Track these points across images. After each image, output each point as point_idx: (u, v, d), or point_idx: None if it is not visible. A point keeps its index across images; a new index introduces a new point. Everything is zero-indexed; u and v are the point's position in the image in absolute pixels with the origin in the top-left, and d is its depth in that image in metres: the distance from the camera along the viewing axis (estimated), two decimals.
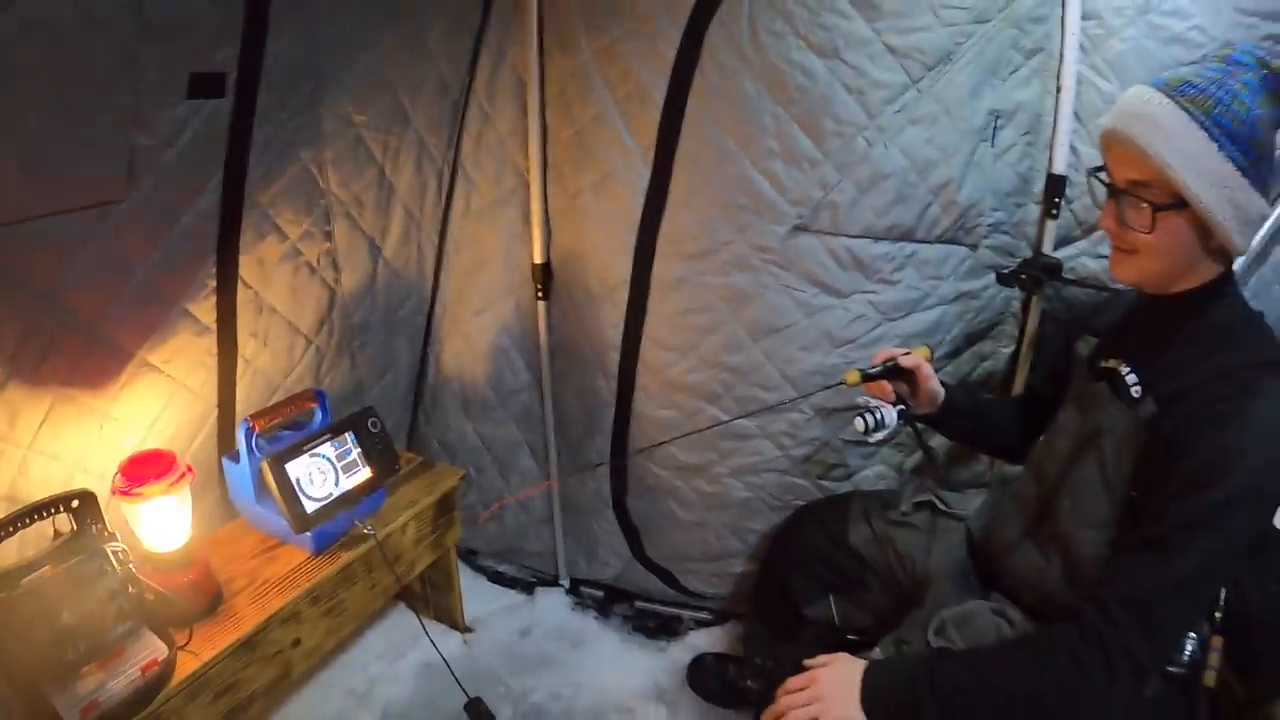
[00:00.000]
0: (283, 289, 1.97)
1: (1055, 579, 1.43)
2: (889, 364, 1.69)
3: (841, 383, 1.69)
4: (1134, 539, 1.27)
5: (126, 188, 1.50)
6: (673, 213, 2.06)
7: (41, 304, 1.46)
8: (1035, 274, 2.00)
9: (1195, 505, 1.19)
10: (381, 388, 2.44)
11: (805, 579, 1.91)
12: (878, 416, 1.63)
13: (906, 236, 1.98)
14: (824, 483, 2.23)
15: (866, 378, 1.68)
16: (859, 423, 1.64)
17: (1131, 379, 1.36)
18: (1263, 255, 1.86)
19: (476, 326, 2.44)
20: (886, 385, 1.70)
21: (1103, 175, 1.34)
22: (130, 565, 1.48)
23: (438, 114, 2.21)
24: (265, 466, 1.75)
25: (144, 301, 1.65)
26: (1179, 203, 1.23)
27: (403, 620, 2.44)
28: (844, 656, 1.39)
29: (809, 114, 1.88)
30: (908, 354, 1.70)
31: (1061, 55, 1.88)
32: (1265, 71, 1.24)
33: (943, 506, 1.81)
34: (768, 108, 1.90)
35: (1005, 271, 2.03)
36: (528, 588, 2.65)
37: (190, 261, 1.72)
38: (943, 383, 1.74)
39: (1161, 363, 1.34)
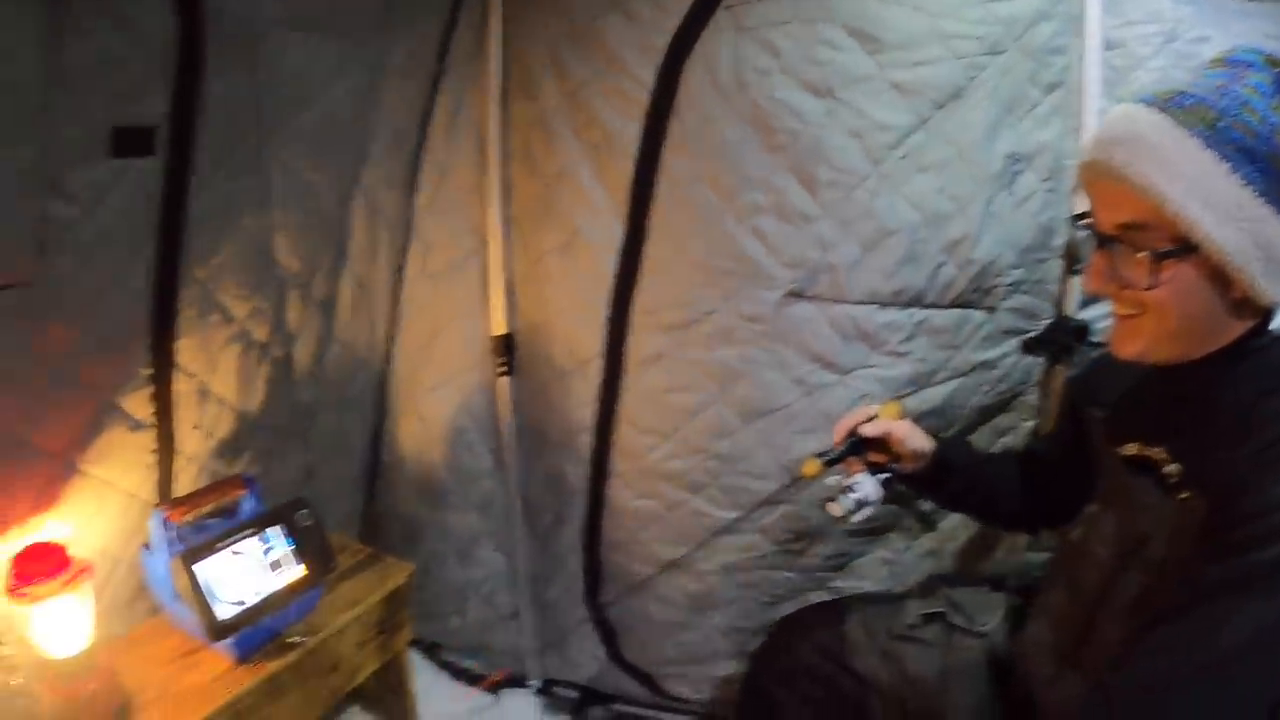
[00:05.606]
0: (229, 375, 1.78)
1: None
2: (852, 440, 1.48)
3: (800, 477, 1.51)
4: (1158, 612, 1.04)
5: (35, 267, 1.30)
6: (649, 278, 1.90)
7: None
8: (1065, 339, 1.79)
9: (1237, 566, 0.96)
10: (332, 471, 2.23)
11: (796, 702, 1.64)
12: (856, 496, 1.44)
13: (916, 301, 1.78)
14: (820, 575, 2.02)
15: (829, 464, 1.47)
16: (834, 509, 1.44)
17: (1172, 469, 1.11)
18: None
19: (433, 404, 2.24)
20: (855, 462, 1.49)
21: (1089, 222, 1.12)
22: (18, 676, 1.36)
23: (392, 167, 2.03)
24: (175, 565, 1.56)
25: (65, 397, 1.46)
26: (1186, 246, 1.00)
27: None
28: None
29: (802, 162, 1.72)
30: (872, 419, 1.49)
31: (1083, 89, 1.70)
32: (1278, 70, 1.01)
33: (959, 621, 1.55)
34: (755, 156, 1.74)
35: (1032, 338, 1.83)
36: (494, 687, 2.42)
37: (119, 349, 1.53)
38: (934, 435, 1.53)
39: (1204, 444, 1.09)
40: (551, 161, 1.92)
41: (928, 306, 1.78)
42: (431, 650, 2.49)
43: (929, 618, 1.56)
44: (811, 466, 1.46)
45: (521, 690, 2.40)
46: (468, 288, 2.12)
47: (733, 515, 1.97)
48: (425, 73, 1.99)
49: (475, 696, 2.39)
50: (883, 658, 1.55)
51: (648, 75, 1.77)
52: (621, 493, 2.06)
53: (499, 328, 2.09)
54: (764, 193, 1.74)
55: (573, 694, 2.38)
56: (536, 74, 1.89)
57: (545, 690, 2.40)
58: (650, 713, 2.32)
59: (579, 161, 1.88)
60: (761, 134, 1.72)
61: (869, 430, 1.46)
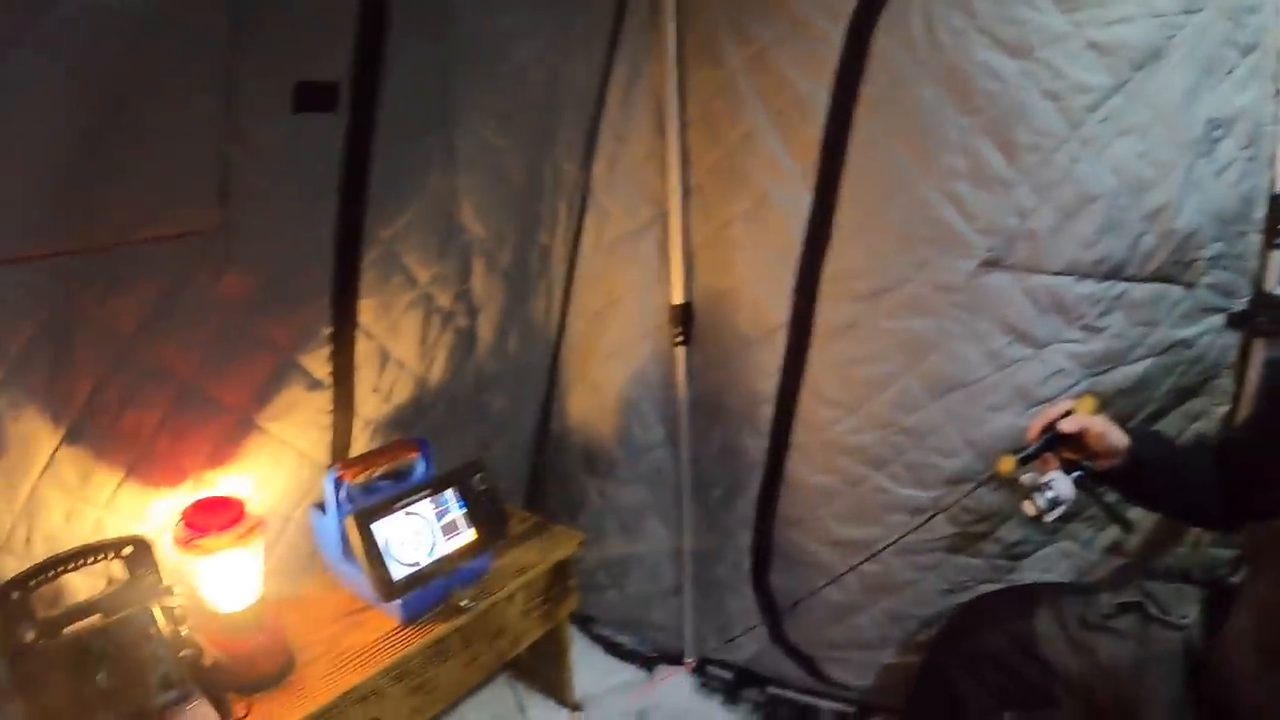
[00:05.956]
0: (410, 339, 1.81)
1: None
2: (1048, 436, 1.44)
3: (994, 476, 1.48)
4: None
5: (217, 216, 1.34)
6: (839, 245, 1.84)
7: (116, 349, 1.30)
8: (1272, 315, 1.69)
9: None
10: (503, 442, 2.26)
11: (978, 688, 1.60)
12: (1050, 495, 1.41)
13: (1116, 273, 1.69)
14: (999, 562, 1.94)
15: (1025, 461, 1.44)
16: (1029, 507, 1.42)
17: None
18: None
19: (605, 373, 2.24)
20: (1050, 458, 1.45)
21: None
22: (185, 625, 1.36)
23: (572, 135, 2.05)
24: (349, 523, 1.58)
25: (243, 351, 1.49)
26: None
27: (502, 694, 2.24)
28: None
29: (1000, 125, 1.66)
30: (1068, 414, 1.44)
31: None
32: None
33: (1155, 612, 1.48)
34: (950, 118, 1.68)
35: (1236, 313, 1.72)
36: (648, 663, 2.42)
37: (300, 306, 1.56)
38: (1126, 427, 1.46)
39: None
40: (735, 127, 1.88)
41: (1127, 279, 1.70)
42: (584, 623, 2.49)
43: (1124, 608, 1.51)
44: (1007, 464, 1.44)
45: (676, 667, 2.38)
46: (644, 257, 2.11)
47: (915, 493, 1.91)
48: (603, 40, 1.99)
49: (628, 671, 2.40)
50: (1073, 647, 1.51)
51: (836, 36, 1.72)
52: (800, 467, 2.03)
53: (678, 297, 2.07)
54: (961, 156, 1.68)
55: (727, 674, 2.35)
56: (717, 39, 1.87)
57: (700, 669, 2.38)
58: (804, 697, 2.28)
59: (765, 127, 1.85)
60: (957, 95, 1.66)
61: (1066, 426, 1.43)
